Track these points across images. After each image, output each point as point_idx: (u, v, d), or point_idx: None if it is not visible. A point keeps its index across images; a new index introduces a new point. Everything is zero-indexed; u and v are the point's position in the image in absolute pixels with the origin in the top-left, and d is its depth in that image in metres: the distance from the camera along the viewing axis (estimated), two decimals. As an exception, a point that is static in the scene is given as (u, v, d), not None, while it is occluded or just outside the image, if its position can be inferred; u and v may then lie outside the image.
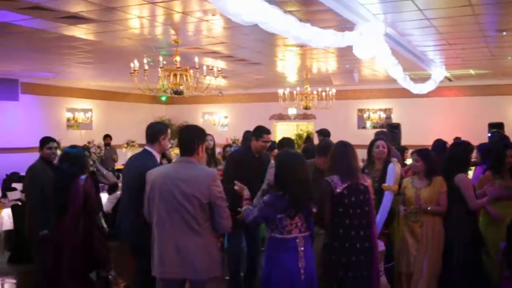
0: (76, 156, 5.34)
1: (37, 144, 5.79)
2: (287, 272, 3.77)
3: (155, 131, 4.46)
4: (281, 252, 3.82)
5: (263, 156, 5.54)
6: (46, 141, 5.78)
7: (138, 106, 15.29)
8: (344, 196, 3.99)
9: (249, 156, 5.46)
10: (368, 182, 4.18)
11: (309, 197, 3.87)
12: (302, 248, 3.81)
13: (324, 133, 8.26)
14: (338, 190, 3.99)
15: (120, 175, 10.44)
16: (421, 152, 5.08)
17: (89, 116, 14.35)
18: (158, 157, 4.40)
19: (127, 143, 13.83)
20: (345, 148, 4.20)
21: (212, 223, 3.75)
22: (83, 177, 5.30)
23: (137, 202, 4.06)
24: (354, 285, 4.03)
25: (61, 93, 13.71)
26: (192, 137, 3.89)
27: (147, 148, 4.43)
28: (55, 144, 5.82)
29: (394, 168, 4.98)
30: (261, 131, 5.42)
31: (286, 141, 6.25)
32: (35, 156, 5.90)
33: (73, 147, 5.53)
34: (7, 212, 7.78)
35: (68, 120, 13.94)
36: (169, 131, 4.54)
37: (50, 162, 5.78)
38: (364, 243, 4.03)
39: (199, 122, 15.49)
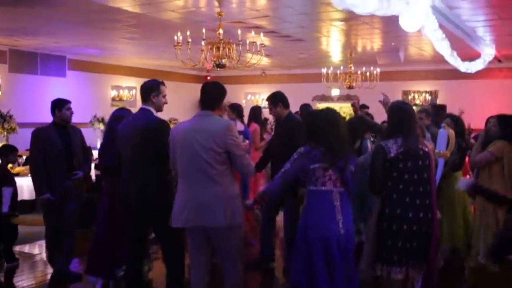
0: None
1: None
2: (324, 226, 3.72)
3: (146, 90, 4.47)
4: (317, 205, 3.77)
5: (287, 122, 5.83)
6: (65, 102, 5.63)
7: (181, 85, 15.33)
8: (399, 161, 3.82)
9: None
10: (429, 147, 3.98)
11: (344, 150, 3.78)
12: (338, 203, 3.74)
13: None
14: (392, 155, 3.83)
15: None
16: (501, 119, 5.01)
17: (133, 93, 14.51)
18: (155, 113, 4.44)
19: (170, 121, 13.92)
20: (403, 111, 4.06)
21: (233, 171, 3.93)
22: None
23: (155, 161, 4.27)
24: (405, 255, 3.82)
25: (107, 70, 13.92)
26: (215, 95, 4.05)
27: (144, 106, 4.47)
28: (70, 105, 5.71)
29: (446, 133, 4.82)
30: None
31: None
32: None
33: (122, 109, 5.41)
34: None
35: (113, 97, 14.15)
36: (162, 88, 4.50)
37: (64, 126, 5.66)
38: (419, 212, 3.81)
39: (242, 102, 15.47)
